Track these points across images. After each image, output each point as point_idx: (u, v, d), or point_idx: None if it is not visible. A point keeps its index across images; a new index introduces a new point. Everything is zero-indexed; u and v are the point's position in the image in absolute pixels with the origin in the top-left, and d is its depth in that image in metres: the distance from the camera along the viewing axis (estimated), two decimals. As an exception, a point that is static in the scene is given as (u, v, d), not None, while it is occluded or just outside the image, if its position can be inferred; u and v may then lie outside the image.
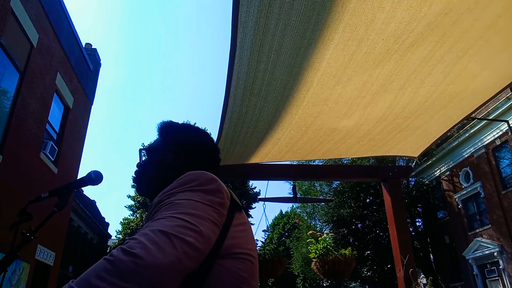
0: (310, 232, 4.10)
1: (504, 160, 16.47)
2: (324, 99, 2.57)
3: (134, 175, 1.13)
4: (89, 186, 1.25)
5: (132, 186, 22.47)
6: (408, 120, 3.00)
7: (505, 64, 2.32)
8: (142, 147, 1.14)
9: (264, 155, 3.49)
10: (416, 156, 3.69)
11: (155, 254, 0.64)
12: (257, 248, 4.05)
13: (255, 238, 1.06)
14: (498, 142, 16.48)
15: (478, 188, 17.50)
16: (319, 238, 3.67)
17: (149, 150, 1.13)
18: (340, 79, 2.36)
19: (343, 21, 1.89)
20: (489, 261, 16.80)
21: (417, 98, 2.68)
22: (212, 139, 1.17)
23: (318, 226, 22.37)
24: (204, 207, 0.80)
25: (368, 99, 2.63)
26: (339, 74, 2.30)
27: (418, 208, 21.38)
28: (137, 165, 1.14)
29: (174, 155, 1.08)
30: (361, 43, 2.05)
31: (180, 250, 0.67)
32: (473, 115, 17.16)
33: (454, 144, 18.58)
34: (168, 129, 1.15)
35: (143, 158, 1.14)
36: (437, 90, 2.58)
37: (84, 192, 23.00)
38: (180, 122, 1.19)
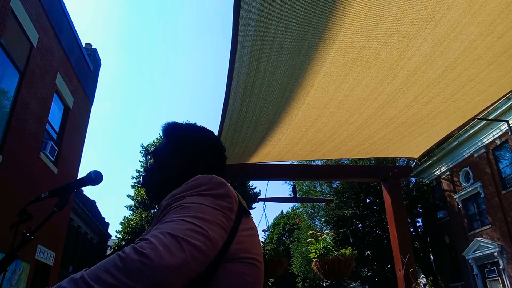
0: (310, 232, 4.09)
1: (504, 160, 16.47)
2: (325, 104, 2.56)
3: (142, 180, 1.13)
4: (89, 186, 1.24)
5: (132, 187, 22.44)
6: (410, 129, 3.01)
7: (505, 73, 2.32)
8: (147, 151, 1.13)
9: (264, 156, 3.48)
10: (417, 157, 3.70)
11: (164, 256, 0.66)
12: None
13: None
14: (498, 142, 16.48)
15: (478, 188, 17.49)
16: (319, 238, 3.66)
17: (156, 154, 1.11)
18: (340, 86, 2.35)
19: (344, 26, 1.88)
20: (489, 261, 16.80)
21: (422, 112, 2.68)
22: (217, 137, 1.16)
23: (318, 226, 22.36)
24: (213, 212, 0.80)
25: (371, 110, 2.63)
26: (340, 80, 2.29)
27: (418, 208, 21.36)
28: (145, 170, 1.13)
29: (182, 157, 1.07)
30: (362, 50, 2.04)
31: (188, 253, 0.69)
32: (473, 115, 17.18)
33: (454, 144, 18.57)
34: (173, 131, 1.13)
35: (150, 162, 1.13)
36: (443, 105, 2.58)
37: (84, 192, 23.01)
38: (183, 123, 1.17)
